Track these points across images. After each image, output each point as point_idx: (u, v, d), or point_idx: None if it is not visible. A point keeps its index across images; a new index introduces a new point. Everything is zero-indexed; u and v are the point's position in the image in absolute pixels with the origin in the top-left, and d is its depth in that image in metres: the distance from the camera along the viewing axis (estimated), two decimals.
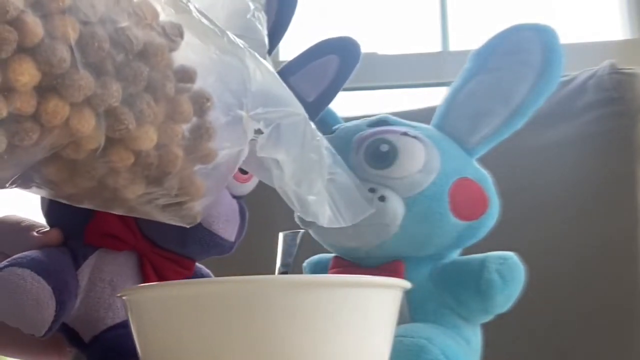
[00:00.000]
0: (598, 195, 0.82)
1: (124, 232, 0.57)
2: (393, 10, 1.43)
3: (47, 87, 0.39)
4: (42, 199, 0.60)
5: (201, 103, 0.45)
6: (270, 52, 0.62)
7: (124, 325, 0.57)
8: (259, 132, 0.46)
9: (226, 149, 0.48)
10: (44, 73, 0.39)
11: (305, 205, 0.47)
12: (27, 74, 0.38)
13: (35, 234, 0.58)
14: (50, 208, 0.60)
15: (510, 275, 0.53)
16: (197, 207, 0.49)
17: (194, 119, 0.46)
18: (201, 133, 0.46)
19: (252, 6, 0.50)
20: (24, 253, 0.54)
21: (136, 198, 0.47)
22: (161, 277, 0.57)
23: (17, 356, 0.65)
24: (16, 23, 0.37)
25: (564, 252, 0.82)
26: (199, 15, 0.44)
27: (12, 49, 0.38)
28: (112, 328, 0.57)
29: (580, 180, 0.83)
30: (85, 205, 0.49)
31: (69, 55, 0.39)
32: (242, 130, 0.46)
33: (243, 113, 0.45)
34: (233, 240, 0.59)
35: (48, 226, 0.60)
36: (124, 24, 0.41)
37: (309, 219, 0.48)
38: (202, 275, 0.62)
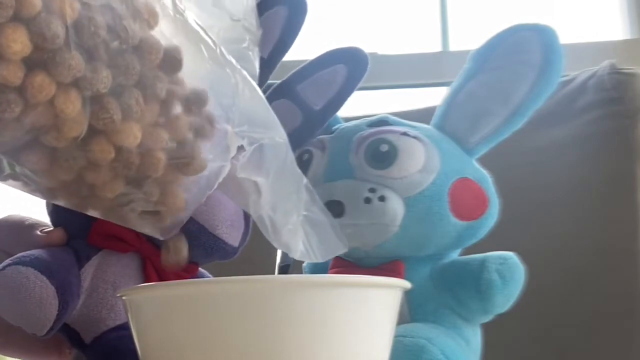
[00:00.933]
0: (598, 195, 0.82)
1: (129, 234, 0.57)
2: (393, 10, 1.43)
3: (37, 62, 0.39)
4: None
5: (204, 124, 0.45)
6: (273, 65, 0.62)
7: (126, 327, 0.57)
8: (241, 148, 0.45)
9: (208, 162, 0.47)
10: (35, 46, 0.38)
11: (278, 234, 0.46)
12: (19, 42, 0.37)
13: (38, 233, 0.58)
14: (55, 207, 0.60)
15: (510, 275, 0.53)
16: (173, 220, 0.49)
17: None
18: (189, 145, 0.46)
19: (247, 38, 0.50)
20: (27, 252, 0.54)
21: (114, 198, 0.46)
22: (163, 280, 0.57)
23: (17, 356, 0.65)
24: None
25: (564, 252, 0.82)
26: (195, 24, 0.44)
27: (8, 15, 0.37)
28: (114, 329, 0.57)
29: (580, 180, 0.83)
30: (60, 202, 0.49)
31: (63, 33, 0.38)
32: (226, 145, 0.46)
33: (229, 127, 0.45)
34: (237, 245, 0.59)
35: (52, 225, 0.60)
36: (123, 13, 0.41)
37: (280, 249, 0.48)
38: (205, 277, 0.62)
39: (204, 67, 0.44)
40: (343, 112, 0.66)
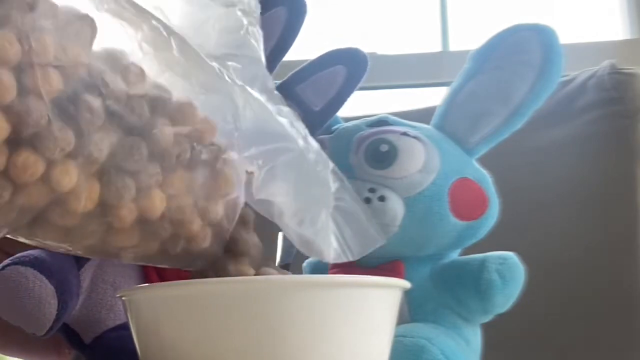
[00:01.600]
0: (598, 195, 0.82)
1: None
2: (393, 10, 1.43)
3: (19, 140, 0.35)
4: None
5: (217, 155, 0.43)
6: (273, 66, 0.62)
7: (126, 327, 0.57)
8: (250, 173, 0.44)
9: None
10: (15, 127, 0.35)
11: (308, 245, 0.45)
12: None
13: None
14: None
15: (510, 275, 0.53)
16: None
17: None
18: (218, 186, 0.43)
19: (245, 22, 0.47)
20: (26, 252, 0.53)
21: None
22: (163, 280, 0.57)
23: (16, 355, 0.65)
24: None
25: (564, 252, 0.82)
26: (180, 54, 0.41)
27: None
28: (114, 329, 0.57)
29: (580, 180, 0.83)
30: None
31: (46, 111, 0.35)
32: (236, 174, 0.44)
33: (235, 155, 0.43)
34: None
35: None
36: (109, 76, 0.38)
37: (313, 257, 0.47)
38: None
39: (197, 100, 0.42)
40: (343, 112, 0.66)
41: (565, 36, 0.57)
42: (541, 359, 0.80)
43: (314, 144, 0.46)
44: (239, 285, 0.38)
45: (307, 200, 0.45)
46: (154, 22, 0.40)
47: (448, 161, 0.55)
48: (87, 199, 0.38)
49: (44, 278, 0.51)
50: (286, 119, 0.45)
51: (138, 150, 0.39)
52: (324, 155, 0.46)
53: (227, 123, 0.43)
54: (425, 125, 0.58)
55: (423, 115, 0.61)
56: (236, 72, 0.44)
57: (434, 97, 1.28)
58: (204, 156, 0.42)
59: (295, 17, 0.63)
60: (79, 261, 0.57)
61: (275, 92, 0.46)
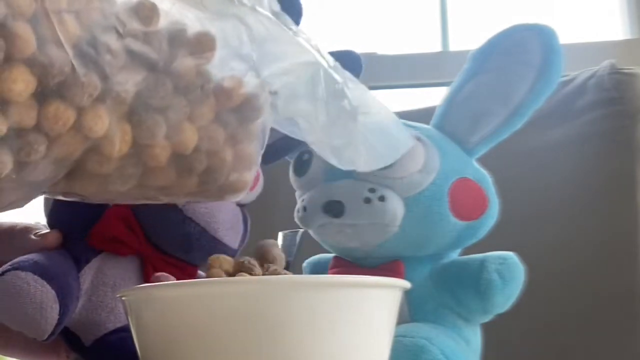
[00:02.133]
0: (598, 195, 0.82)
1: (129, 237, 0.57)
2: (393, 10, 1.43)
3: (48, 92, 0.36)
4: (46, 198, 0.60)
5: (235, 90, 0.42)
6: None
7: (126, 329, 0.57)
8: (273, 93, 0.43)
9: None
10: (40, 79, 0.35)
11: (339, 154, 0.44)
12: (20, 81, 0.34)
13: (32, 237, 0.58)
14: (54, 209, 0.59)
15: (510, 275, 0.53)
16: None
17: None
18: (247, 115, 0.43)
19: None
20: (26, 256, 0.53)
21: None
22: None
23: (16, 357, 0.65)
24: (3, 32, 0.34)
25: (564, 252, 0.82)
26: None
27: (0, 58, 0.34)
28: (114, 332, 0.57)
29: (580, 180, 0.83)
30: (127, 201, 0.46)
31: (68, 60, 0.35)
32: (260, 98, 0.43)
33: (257, 80, 0.42)
34: (236, 247, 0.59)
35: (49, 227, 0.60)
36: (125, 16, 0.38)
37: (346, 167, 0.46)
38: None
39: (212, 27, 0.41)
40: None
41: (565, 36, 0.57)
42: (541, 359, 0.80)
43: (329, 57, 0.45)
44: (239, 285, 0.38)
45: (331, 114, 0.44)
46: None
47: (448, 161, 0.55)
48: (121, 141, 0.38)
49: (45, 283, 0.51)
50: (298, 35, 0.44)
51: (163, 86, 0.39)
52: (339, 67, 0.45)
53: (243, 46, 0.42)
54: (425, 125, 0.58)
55: (423, 115, 0.61)
56: None
57: (434, 97, 1.28)
58: (227, 83, 0.42)
59: (290, 17, 0.62)
60: (79, 264, 0.57)
61: (282, 12, 0.45)
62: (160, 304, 0.38)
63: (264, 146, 0.45)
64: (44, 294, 0.51)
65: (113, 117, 0.37)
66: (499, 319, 0.56)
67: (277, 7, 0.44)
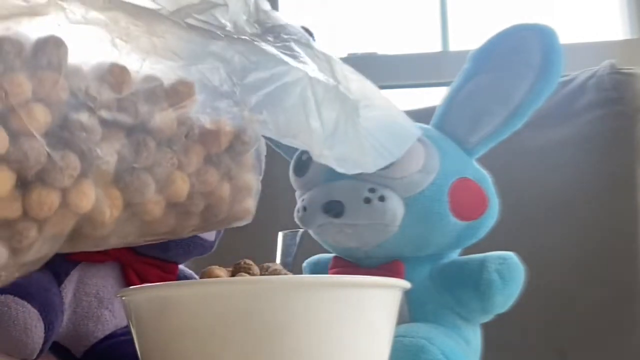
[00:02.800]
0: (598, 195, 0.82)
1: None
2: (393, 10, 1.43)
3: (27, 182, 0.36)
4: None
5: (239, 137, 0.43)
6: None
7: (115, 335, 0.57)
8: (263, 121, 0.43)
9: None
10: (18, 172, 0.35)
11: (344, 162, 0.44)
12: None
13: None
14: None
15: (510, 275, 0.53)
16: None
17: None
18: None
19: None
20: (18, 285, 0.53)
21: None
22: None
23: None
24: None
25: (563, 252, 0.82)
26: (154, 34, 0.40)
27: None
28: (103, 340, 0.57)
29: (580, 180, 0.83)
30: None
31: (43, 148, 0.35)
32: (249, 130, 0.44)
33: (243, 113, 0.43)
34: (213, 239, 0.59)
35: None
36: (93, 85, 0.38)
37: (355, 172, 0.46)
38: (185, 277, 0.62)
39: (189, 73, 0.41)
40: None
41: (565, 36, 0.57)
42: (541, 359, 0.80)
43: (314, 62, 0.44)
44: (239, 285, 0.38)
45: (327, 124, 0.44)
46: (120, 13, 0.39)
47: (448, 161, 0.55)
48: (111, 207, 0.38)
49: (26, 303, 0.51)
50: (278, 48, 0.44)
51: (145, 146, 0.39)
52: (334, 60, 0.44)
53: (224, 84, 0.42)
54: (425, 125, 0.58)
55: (423, 115, 0.61)
56: (222, 14, 0.42)
57: (434, 97, 1.28)
58: (212, 126, 0.42)
59: None
60: (58, 277, 0.57)
61: (268, 13, 0.44)
62: (160, 304, 0.38)
63: (262, 171, 0.45)
64: (27, 314, 0.50)
65: (99, 188, 0.38)
66: (499, 319, 0.56)
67: (263, 15, 0.44)
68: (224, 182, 0.43)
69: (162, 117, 0.40)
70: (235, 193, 0.44)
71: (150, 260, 0.58)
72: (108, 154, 0.38)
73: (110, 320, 0.58)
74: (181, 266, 0.62)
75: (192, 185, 0.41)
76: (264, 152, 0.45)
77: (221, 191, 0.43)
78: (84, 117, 0.37)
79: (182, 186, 0.41)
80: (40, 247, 0.38)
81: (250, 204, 0.45)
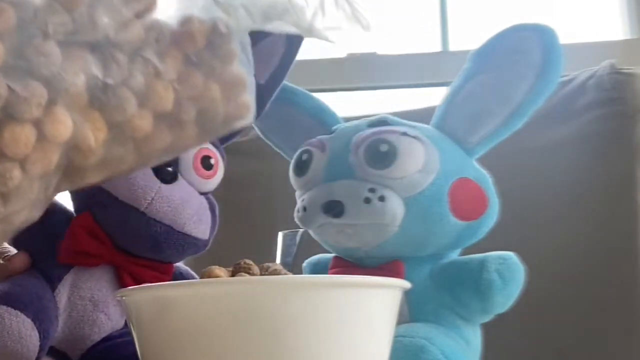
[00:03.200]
0: (598, 195, 0.82)
1: (97, 247, 0.57)
2: (393, 10, 1.43)
3: None
4: None
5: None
6: (271, 93, 0.61)
7: (112, 337, 0.57)
8: (239, 7, 0.41)
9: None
10: None
11: (337, 32, 0.43)
12: None
13: (0, 261, 0.58)
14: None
15: (510, 275, 0.53)
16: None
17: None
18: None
19: None
20: (10, 295, 0.53)
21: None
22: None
23: None
24: None
25: (563, 252, 0.82)
26: None
27: None
28: (100, 342, 0.57)
29: (580, 180, 0.83)
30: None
31: (2, 83, 0.33)
32: (225, 20, 0.41)
33: (216, 4, 0.40)
34: (207, 237, 0.59)
35: (15, 248, 0.59)
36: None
37: (346, 41, 0.45)
38: (182, 274, 0.62)
39: None
40: (343, 112, 0.66)
41: (565, 36, 0.57)
42: (541, 359, 0.80)
43: None
44: (239, 285, 0.38)
45: None
46: None
47: (448, 161, 0.55)
48: (94, 131, 0.36)
49: (19, 312, 0.51)
50: None
51: (113, 60, 0.37)
52: None
53: None
54: (425, 125, 0.58)
55: (423, 115, 0.61)
56: None
57: (434, 97, 1.28)
58: (184, 26, 0.40)
59: (294, 43, 0.62)
60: (52, 282, 0.57)
61: None
62: (160, 304, 0.38)
63: (251, 60, 0.43)
64: (20, 324, 0.50)
65: (75, 113, 0.36)
66: (499, 319, 0.56)
67: None
68: (211, 82, 0.40)
69: (126, 26, 0.37)
70: (227, 91, 0.41)
71: (144, 262, 0.58)
72: (73, 75, 0.35)
73: (106, 323, 0.58)
74: (179, 265, 0.62)
75: (177, 92, 0.39)
76: (248, 43, 0.43)
77: (210, 92, 0.40)
78: (39, 42, 0.35)
79: (165, 95, 0.38)
80: (30, 189, 0.36)
81: (247, 98, 0.42)
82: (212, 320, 0.37)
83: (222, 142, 0.64)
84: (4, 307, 0.51)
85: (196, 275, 0.64)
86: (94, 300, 0.57)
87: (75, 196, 0.60)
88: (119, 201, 0.56)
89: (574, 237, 0.82)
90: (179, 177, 0.58)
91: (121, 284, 0.58)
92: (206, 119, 0.41)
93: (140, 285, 0.48)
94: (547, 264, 0.79)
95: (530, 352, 0.80)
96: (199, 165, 0.59)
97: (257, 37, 0.60)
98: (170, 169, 0.57)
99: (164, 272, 0.59)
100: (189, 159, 0.59)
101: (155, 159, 0.42)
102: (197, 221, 0.58)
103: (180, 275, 0.62)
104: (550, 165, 0.85)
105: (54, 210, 0.59)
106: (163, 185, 0.57)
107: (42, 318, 0.52)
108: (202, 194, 0.60)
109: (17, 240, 0.59)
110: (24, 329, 0.50)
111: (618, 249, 0.81)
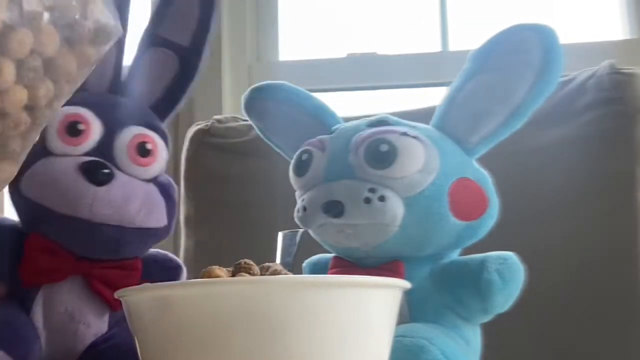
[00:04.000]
0: (598, 196, 0.82)
1: (58, 262, 0.57)
2: (393, 10, 1.42)
3: None
4: None
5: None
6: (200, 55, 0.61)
7: (95, 345, 0.57)
8: None
9: None
10: None
11: None
12: None
13: None
14: None
15: (510, 275, 0.53)
16: None
17: None
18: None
19: None
20: None
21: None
22: (113, 287, 0.55)
23: None
24: None
25: (563, 252, 0.82)
26: None
27: None
28: (86, 351, 0.57)
29: (580, 180, 0.83)
30: None
31: None
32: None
33: None
34: (165, 223, 0.59)
35: None
36: None
37: None
38: (156, 262, 0.61)
39: None
40: (343, 112, 0.66)
41: (565, 36, 0.57)
42: (541, 359, 0.80)
43: None
44: (239, 285, 0.38)
45: None
46: None
47: (448, 161, 0.55)
48: None
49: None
50: None
51: None
52: None
53: None
54: (425, 125, 0.58)
55: (423, 115, 0.61)
56: None
57: (434, 97, 1.28)
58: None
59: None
60: (25, 305, 0.57)
61: None
62: (160, 304, 0.38)
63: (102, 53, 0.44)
64: None
65: None
66: (499, 319, 0.56)
67: None
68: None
69: None
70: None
71: (108, 264, 0.58)
72: None
73: (87, 332, 0.57)
74: (150, 251, 0.61)
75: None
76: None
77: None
78: None
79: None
80: None
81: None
82: (212, 320, 0.37)
83: (161, 118, 0.62)
84: None
85: (173, 256, 0.63)
86: (69, 313, 0.57)
87: (20, 218, 0.60)
88: (60, 215, 0.56)
89: (574, 237, 0.82)
90: (116, 174, 0.57)
91: (92, 290, 0.57)
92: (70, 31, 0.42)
93: (140, 285, 0.48)
94: (547, 264, 0.79)
95: (530, 352, 0.80)
96: (135, 155, 0.58)
97: (168, 2, 0.60)
98: (104, 170, 0.56)
99: (132, 268, 0.59)
100: (123, 151, 0.58)
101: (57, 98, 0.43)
102: (147, 212, 0.57)
103: (155, 263, 0.61)
104: (550, 165, 0.85)
105: (6, 233, 0.59)
106: (99, 189, 0.56)
107: (15, 344, 0.52)
108: (148, 181, 0.59)
109: None
110: None
111: (618, 249, 0.81)
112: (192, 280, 0.41)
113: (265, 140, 0.67)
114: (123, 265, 0.59)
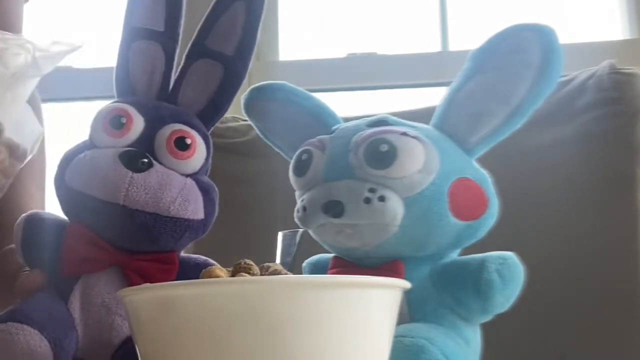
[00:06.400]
0: (598, 196, 0.82)
1: (97, 253, 0.57)
2: (393, 10, 1.43)
3: None
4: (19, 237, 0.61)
5: None
6: (245, 64, 0.62)
7: (130, 340, 0.57)
8: None
9: None
10: None
11: None
12: None
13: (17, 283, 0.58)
14: (23, 247, 0.60)
15: (510, 275, 0.53)
16: None
17: None
18: None
19: None
20: (9, 310, 0.54)
21: None
22: (149, 280, 0.56)
23: None
24: None
25: (563, 252, 0.82)
26: None
27: None
28: (121, 346, 0.57)
29: (580, 180, 0.83)
30: None
31: None
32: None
33: None
34: (202, 217, 0.59)
35: (28, 266, 0.60)
36: None
37: None
38: (197, 264, 0.61)
39: None
40: (343, 112, 0.66)
41: (565, 36, 0.57)
42: (541, 359, 0.80)
43: None
44: (239, 285, 0.38)
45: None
46: None
47: (448, 161, 0.55)
48: None
49: (25, 326, 0.52)
50: None
51: None
52: None
53: None
54: (425, 125, 0.58)
55: (423, 115, 0.61)
56: None
57: (434, 97, 1.28)
58: None
59: (255, 9, 0.62)
60: (63, 296, 0.57)
61: None
62: (160, 304, 0.38)
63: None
64: (28, 337, 0.51)
65: None
66: (499, 319, 0.56)
67: None
68: None
69: None
70: None
71: (145, 257, 0.58)
72: None
73: (123, 324, 0.58)
74: (192, 255, 0.62)
75: None
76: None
77: None
78: None
79: None
80: None
81: None
82: (212, 320, 0.37)
83: (207, 125, 0.63)
84: (10, 323, 0.51)
85: (216, 263, 0.63)
86: (106, 305, 0.57)
87: (63, 209, 0.60)
88: (98, 200, 0.56)
89: (574, 237, 0.82)
90: (155, 164, 0.58)
91: (130, 283, 0.58)
92: None
93: (140, 285, 0.48)
94: (547, 263, 0.79)
95: (530, 352, 0.81)
96: (173, 148, 0.58)
97: (218, 11, 0.61)
98: (143, 159, 0.57)
99: (169, 262, 0.59)
100: (162, 144, 0.59)
101: None
102: (183, 202, 0.57)
103: (196, 266, 0.61)
104: (550, 165, 0.85)
105: (47, 225, 0.60)
106: (136, 175, 0.56)
107: (50, 327, 0.53)
108: (187, 175, 0.59)
109: (27, 257, 0.60)
110: (32, 341, 0.51)
111: (618, 249, 0.81)
112: (192, 280, 0.41)
113: (265, 140, 0.67)
114: (160, 258, 0.59)
